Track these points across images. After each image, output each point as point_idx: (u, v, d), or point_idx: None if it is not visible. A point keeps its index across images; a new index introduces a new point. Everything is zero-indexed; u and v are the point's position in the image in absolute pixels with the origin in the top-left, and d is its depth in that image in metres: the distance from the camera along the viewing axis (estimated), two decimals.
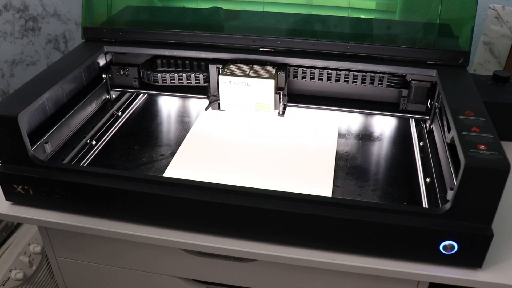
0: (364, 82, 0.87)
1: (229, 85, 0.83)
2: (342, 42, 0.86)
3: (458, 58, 0.83)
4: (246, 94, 0.84)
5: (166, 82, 0.92)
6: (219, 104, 0.88)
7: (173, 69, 0.92)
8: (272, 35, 0.88)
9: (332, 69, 0.87)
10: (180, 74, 0.91)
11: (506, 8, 1.18)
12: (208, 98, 0.89)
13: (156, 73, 0.91)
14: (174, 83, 0.92)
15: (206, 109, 0.89)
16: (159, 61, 0.92)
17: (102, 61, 0.93)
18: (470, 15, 0.84)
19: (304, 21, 0.99)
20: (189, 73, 0.91)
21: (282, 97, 0.85)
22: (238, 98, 0.85)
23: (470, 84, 0.77)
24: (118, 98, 0.96)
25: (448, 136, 0.71)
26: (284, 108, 0.89)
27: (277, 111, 0.87)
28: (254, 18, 1.01)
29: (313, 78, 0.89)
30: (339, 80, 0.88)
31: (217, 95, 0.87)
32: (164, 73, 0.91)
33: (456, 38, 0.87)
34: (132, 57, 0.94)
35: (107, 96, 0.94)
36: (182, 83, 0.92)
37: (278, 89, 0.84)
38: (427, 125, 0.86)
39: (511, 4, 1.21)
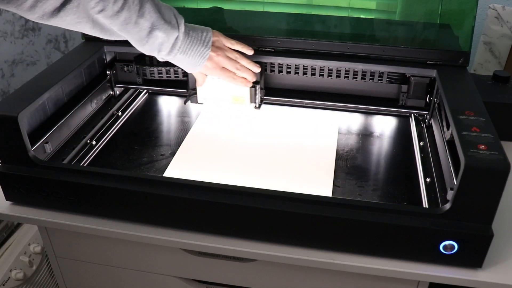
0: (364, 78, 0.88)
1: (206, 79, 0.85)
2: (342, 42, 0.86)
3: (458, 58, 0.83)
4: (223, 87, 0.86)
5: (154, 76, 0.95)
6: (197, 97, 0.90)
7: (156, 63, 0.94)
8: (272, 35, 0.88)
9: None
10: (160, 68, 0.94)
11: (506, 8, 1.18)
12: (187, 92, 0.91)
13: (144, 67, 0.94)
14: (154, 77, 0.95)
15: (185, 102, 0.91)
16: (147, 57, 0.94)
17: (108, 58, 0.95)
18: (470, 15, 0.84)
19: (304, 21, 0.99)
20: (168, 68, 0.93)
21: (259, 91, 0.86)
22: (215, 91, 0.87)
23: (470, 84, 0.77)
24: (118, 98, 0.96)
25: (447, 133, 0.71)
26: (261, 102, 0.90)
27: (253, 104, 0.88)
28: (254, 18, 1.01)
29: (314, 74, 0.90)
30: (339, 76, 0.89)
31: (195, 89, 0.89)
32: (150, 67, 0.94)
33: (456, 38, 0.87)
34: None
35: (111, 92, 0.96)
36: (162, 77, 0.95)
37: (253, 83, 0.85)
38: (426, 120, 0.87)
39: (511, 4, 1.21)
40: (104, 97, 0.93)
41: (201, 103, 0.90)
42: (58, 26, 0.65)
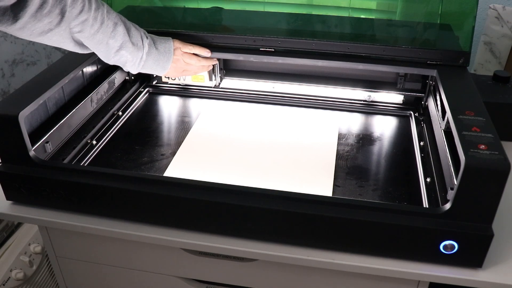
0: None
1: None
2: (342, 42, 0.86)
3: (459, 58, 0.83)
4: None
5: None
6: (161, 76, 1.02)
7: None
8: (272, 35, 0.88)
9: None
10: None
11: (507, 8, 1.18)
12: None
13: None
14: None
15: (152, 81, 1.03)
16: None
17: None
18: (471, 15, 0.84)
19: (304, 21, 0.99)
20: None
21: (218, 71, 0.96)
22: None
23: (471, 84, 0.77)
24: (119, 98, 0.96)
25: (443, 124, 0.73)
26: (221, 80, 0.99)
27: (213, 83, 0.99)
28: (255, 18, 1.01)
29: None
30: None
31: None
32: None
33: (456, 38, 0.87)
34: None
35: (127, 78, 1.00)
36: None
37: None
38: (423, 102, 0.91)
39: (511, 4, 1.21)
40: (120, 82, 0.98)
41: (165, 81, 1.02)
42: (43, 43, 0.71)
